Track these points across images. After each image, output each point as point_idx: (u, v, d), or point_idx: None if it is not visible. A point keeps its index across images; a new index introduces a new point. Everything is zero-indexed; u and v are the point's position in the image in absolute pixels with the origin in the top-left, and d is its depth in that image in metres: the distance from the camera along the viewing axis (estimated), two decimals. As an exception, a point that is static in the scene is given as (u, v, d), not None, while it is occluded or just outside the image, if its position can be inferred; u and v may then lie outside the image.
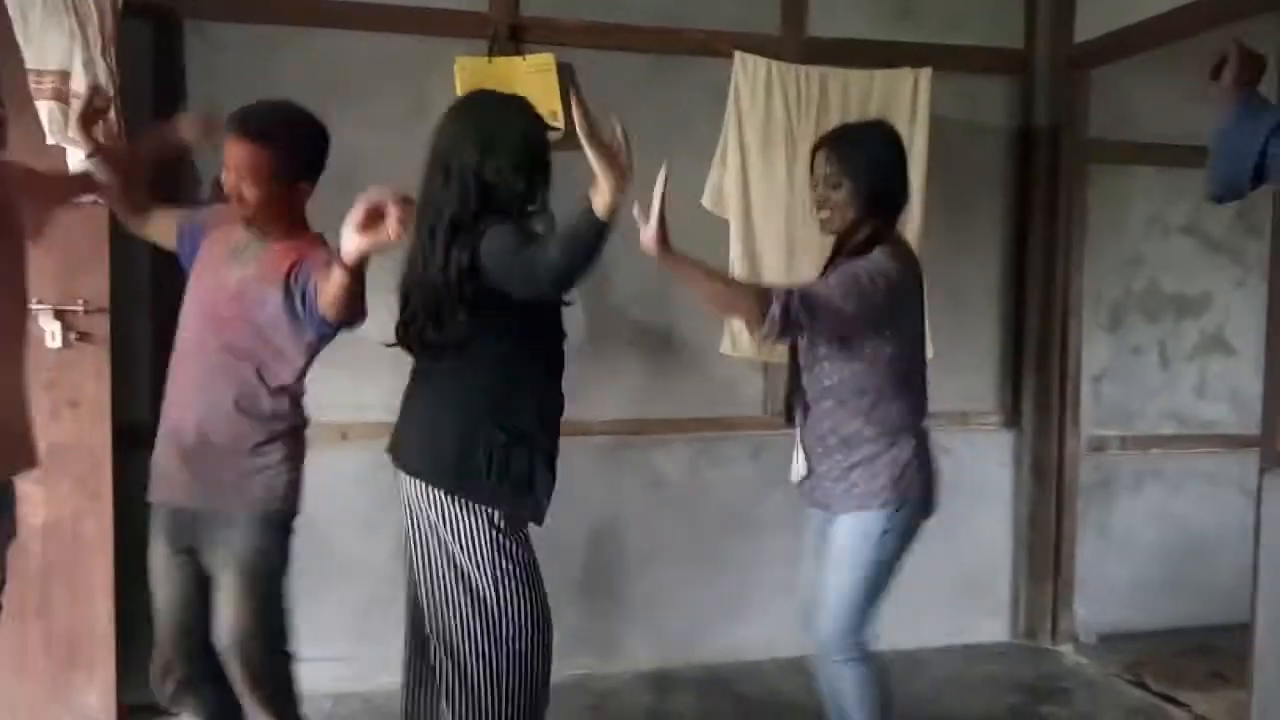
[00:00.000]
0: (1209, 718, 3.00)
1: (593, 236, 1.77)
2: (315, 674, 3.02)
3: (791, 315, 2.01)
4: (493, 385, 2.02)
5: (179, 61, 2.96)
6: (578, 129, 1.74)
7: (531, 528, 2.10)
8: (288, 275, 2.01)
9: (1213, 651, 3.42)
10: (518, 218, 2.02)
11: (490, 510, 1.99)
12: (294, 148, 2.05)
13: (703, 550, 3.41)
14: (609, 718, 3.00)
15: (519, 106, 2.13)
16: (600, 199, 1.74)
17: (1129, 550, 3.75)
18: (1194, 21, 2.90)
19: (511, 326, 2.00)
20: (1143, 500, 3.78)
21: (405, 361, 2.99)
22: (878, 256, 2.13)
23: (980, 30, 3.56)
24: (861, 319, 2.10)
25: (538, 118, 2.13)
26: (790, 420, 2.36)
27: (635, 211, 1.96)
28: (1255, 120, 1.71)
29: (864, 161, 2.16)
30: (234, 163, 2.01)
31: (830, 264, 2.25)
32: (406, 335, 2.08)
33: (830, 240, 2.28)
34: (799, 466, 2.30)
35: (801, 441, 2.30)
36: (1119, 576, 3.72)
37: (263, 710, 2.15)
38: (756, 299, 2.04)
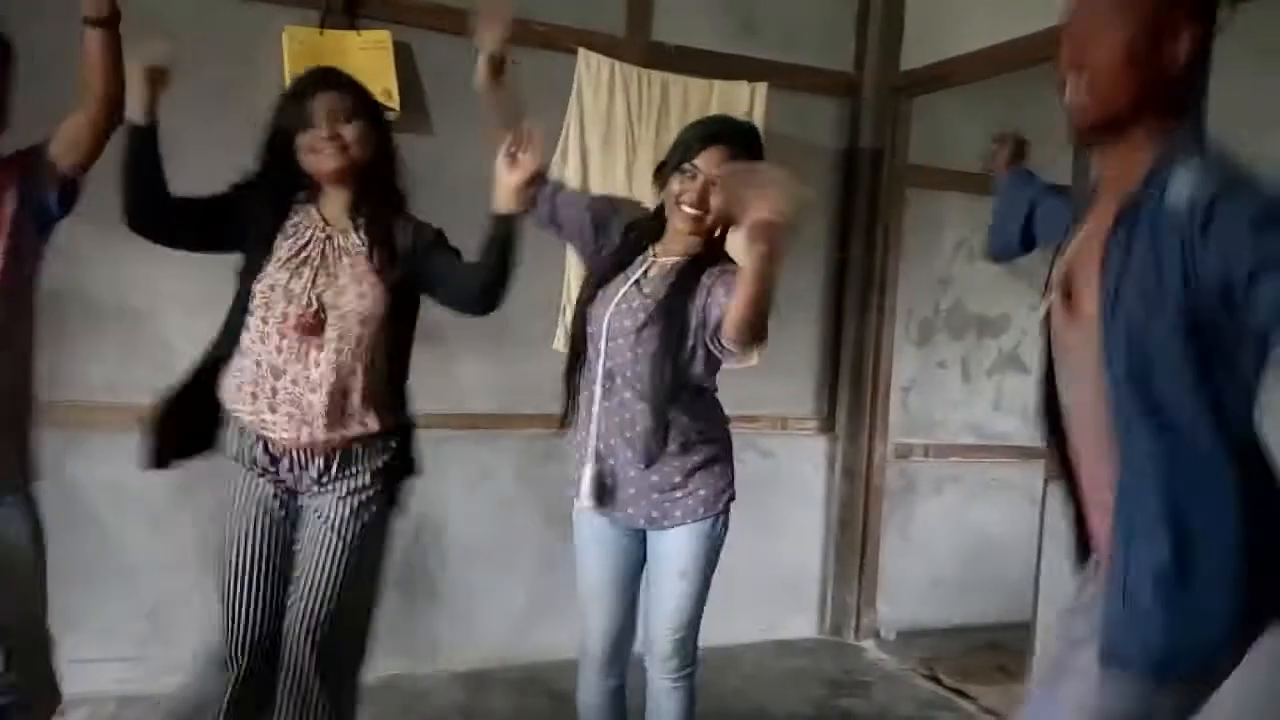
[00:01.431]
0: (994, 710, 3.22)
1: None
2: (99, 675, 2.82)
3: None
4: None
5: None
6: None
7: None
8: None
9: (999, 647, 3.68)
10: None
11: None
12: None
13: (526, 548, 3.38)
14: (420, 718, 2.92)
15: None
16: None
17: (928, 552, 3.98)
18: (1010, 58, 3.11)
19: None
20: (942, 505, 4.03)
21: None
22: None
23: (815, 52, 3.71)
24: None
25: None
26: (565, 423, 2.24)
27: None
28: (1020, 192, 1.99)
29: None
30: None
31: (698, 266, 2.04)
32: None
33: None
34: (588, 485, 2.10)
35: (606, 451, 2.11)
36: (918, 576, 3.95)
37: None
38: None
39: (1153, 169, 1.21)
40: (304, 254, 1.99)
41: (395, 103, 2.94)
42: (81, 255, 2.81)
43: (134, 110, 1.92)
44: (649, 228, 2.13)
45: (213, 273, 2.94)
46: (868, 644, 3.81)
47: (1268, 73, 2.35)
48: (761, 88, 3.41)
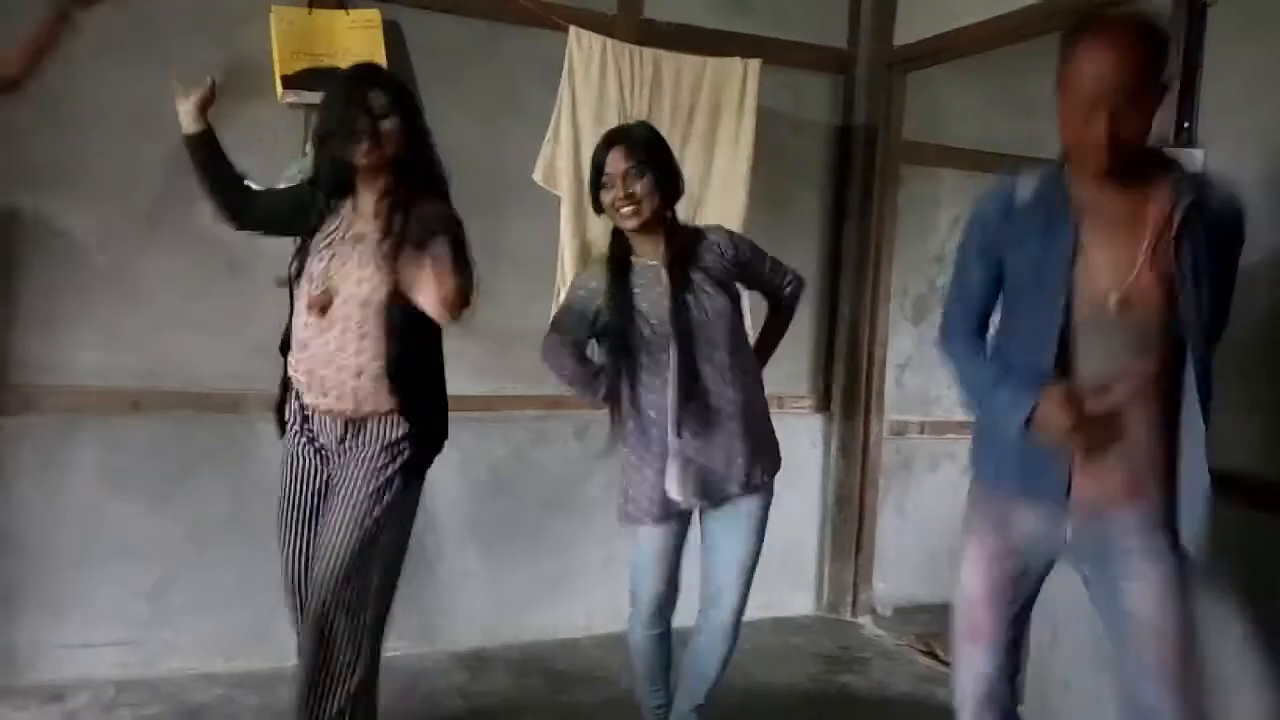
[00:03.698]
0: (987, 683, 3.24)
1: None
2: (98, 660, 2.82)
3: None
4: None
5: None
6: None
7: None
8: None
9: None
10: None
11: None
12: None
13: (523, 529, 3.39)
14: (420, 699, 2.93)
15: None
16: None
17: (923, 528, 3.99)
18: (1006, 31, 3.09)
19: None
20: (937, 481, 4.04)
21: (209, 327, 2.82)
22: (712, 227, 2.36)
23: (809, 28, 3.68)
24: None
25: None
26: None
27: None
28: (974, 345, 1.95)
29: (661, 156, 2.26)
30: None
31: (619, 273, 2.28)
32: None
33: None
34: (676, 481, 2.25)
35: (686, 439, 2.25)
36: (914, 553, 3.96)
37: None
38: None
39: (1177, 180, 1.69)
40: (329, 240, 2.14)
41: (385, 82, 2.91)
42: (76, 241, 2.79)
43: (187, 122, 2.14)
44: (615, 252, 2.29)
45: (202, 257, 2.95)
46: (864, 620, 3.82)
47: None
48: (755, 64, 3.38)
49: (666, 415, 2.20)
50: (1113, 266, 1.69)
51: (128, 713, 2.69)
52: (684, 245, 2.28)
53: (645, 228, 2.23)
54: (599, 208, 2.28)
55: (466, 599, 3.32)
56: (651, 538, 2.32)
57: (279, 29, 2.85)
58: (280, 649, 3.00)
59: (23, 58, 2.21)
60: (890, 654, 3.54)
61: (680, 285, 2.22)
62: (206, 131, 2.16)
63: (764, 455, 2.33)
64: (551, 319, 2.45)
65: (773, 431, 2.39)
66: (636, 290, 2.24)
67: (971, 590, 1.86)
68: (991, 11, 3.12)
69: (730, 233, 2.39)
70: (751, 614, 3.62)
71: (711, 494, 2.27)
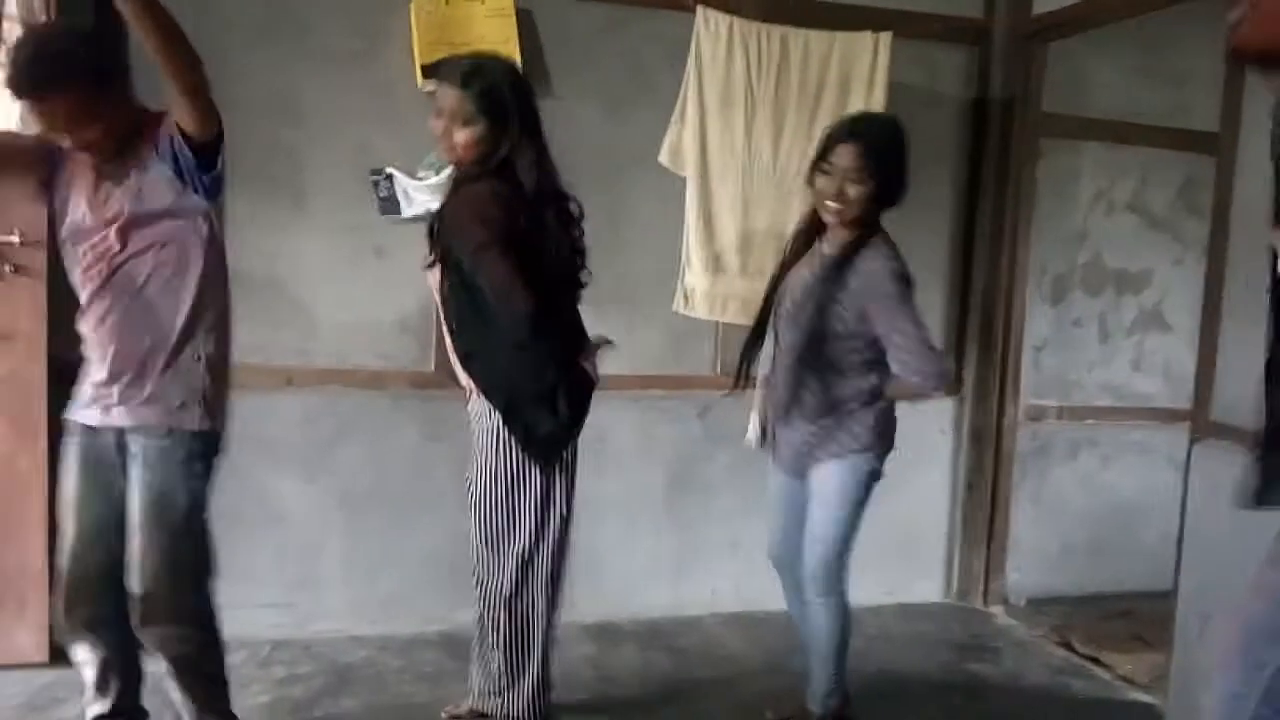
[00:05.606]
0: (1130, 678, 3.11)
1: None
2: (254, 620, 3.03)
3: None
4: None
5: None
6: None
7: None
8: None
9: (1136, 616, 3.55)
10: None
11: None
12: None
13: (650, 507, 3.44)
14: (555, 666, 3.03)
15: None
16: None
17: (1061, 517, 3.85)
18: (1153, -1, 2.94)
19: None
20: (1076, 469, 3.89)
21: (356, 307, 2.96)
22: (890, 255, 2.29)
23: (941, -1, 3.58)
24: None
25: None
26: (740, 385, 2.48)
27: None
28: None
29: (893, 165, 2.24)
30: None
31: (804, 244, 2.42)
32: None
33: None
34: (755, 430, 2.51)
35: (768, 406, 2.48)
36: (1050, 542, 3.83)
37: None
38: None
39: None
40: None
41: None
42: (235, 226, 2.98)
43: None
44: (807, 226, 2.42)
45: (349, 241, 3.10)
46: (996, 610, 3.72)
47: None
48: (885, 37, 3.31)
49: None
50: None
51: (281, 670, 2.88)
52: (852, 256, 2.28)
53: (843, 225, 2.28)
54: (811, 180, 2.31)
55: (596, 573, 3.39)
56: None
57: (419, 19, 2.96)
58: (422, 614, 3.17)
59: None
60: (1023, 644, 3.44)
61: (822, 290, 2.29)
62: None
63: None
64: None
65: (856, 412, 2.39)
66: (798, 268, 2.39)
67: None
68: (1139, -23, 2.97)
69: (889, 273, 2.27)
70: (876, 599, 3.62)
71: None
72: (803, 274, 2.39)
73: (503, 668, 2.34)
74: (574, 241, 2.29)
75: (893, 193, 2.27)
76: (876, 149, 2.20)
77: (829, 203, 2.25)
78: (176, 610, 2.05)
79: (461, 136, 2.14)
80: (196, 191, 1.99)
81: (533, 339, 2.15)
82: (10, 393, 2.66)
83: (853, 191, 2.21)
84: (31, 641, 2.73)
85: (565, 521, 2.35)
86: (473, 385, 2.29)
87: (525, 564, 2.30)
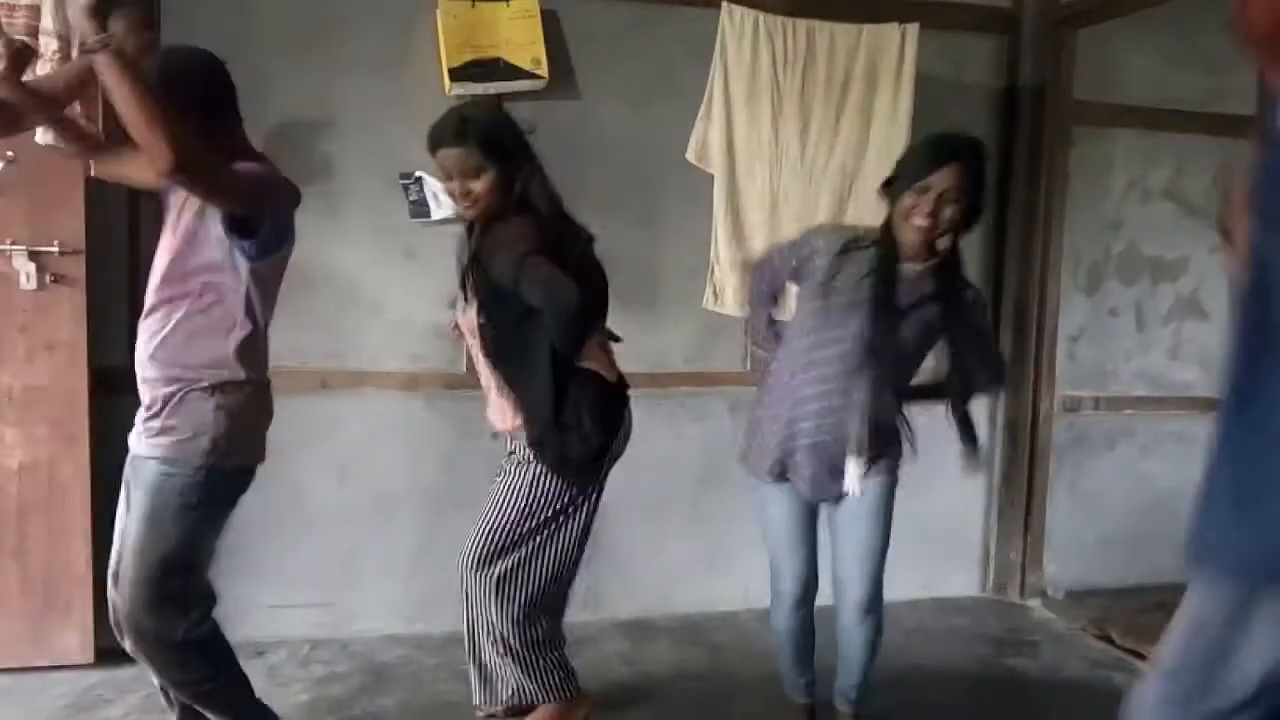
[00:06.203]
0: (1170, 671, 3.08)
1: None
2: (294, 620, 3.07)
3: None
4: None
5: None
6: None
7: None
8: None
9: (1174, 607, 3.48)
10: None
11: None
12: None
13: (681, 503, 3.44)
14: (586, 664, 3.03)
15: None
16: None
17: (1098, 509, 3.81)
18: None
19: None
20: (1113, 460, 3.84)
21: (388, 310, 2.99)
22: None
23: (969, -12, 3.54)
24: None
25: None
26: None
27: None
28: None
29: (982, 190, 2.19)
30: None
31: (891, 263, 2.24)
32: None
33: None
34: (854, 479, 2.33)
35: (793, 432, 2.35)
36: (1087, 534, 3.79)
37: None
38: None
39: None
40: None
41: (544, 70, 3.00)
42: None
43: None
44: (878, 243, 2.24)
45: (381, 246, 3.13)
46: (1033, 603, 3.69)
47: None
48: (913, 29, 3.28)
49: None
50: None
51: (321, 668, 2.92)
52: (943, 281, 2.24)
53: (925, 242, 2.18)
54: (890, 197, 2.19)
55: (628, 570, 3.41)
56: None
57: (445, 23, 2.97)
58: (458, 613, 3.18)
59: (67, 94, 2.16)
60: (1061, 637, 3.41)
61: (927, 318, 2.25)
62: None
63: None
64: (763, 255, 2.52)
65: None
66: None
67: None
68: (1171, -40, 2.92)
69: (981, 301, 2.39)
70: (912, 593, 3.60)
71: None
72: (868, 291, 2.21)
73: (517, 656, 2.44)
74: (598, 265, 2.33)
75: (977, 217, 2.22)
76: (975, 172, 2.15)
77: (918, 223, 2.14)
78: (159, 637, 2.03)
79: (478, 187, 2.19)
80: (239, 253, 1.99)
81: (574, 343, 2.23)
82: (53, 400, 2.72)
83: (949, 212, 2.13)
84: (77, 642, 2.78)
85: (585, 533, 2.44)
86: (508, 428, 2.34)
87: (522, 562, 2.42)
